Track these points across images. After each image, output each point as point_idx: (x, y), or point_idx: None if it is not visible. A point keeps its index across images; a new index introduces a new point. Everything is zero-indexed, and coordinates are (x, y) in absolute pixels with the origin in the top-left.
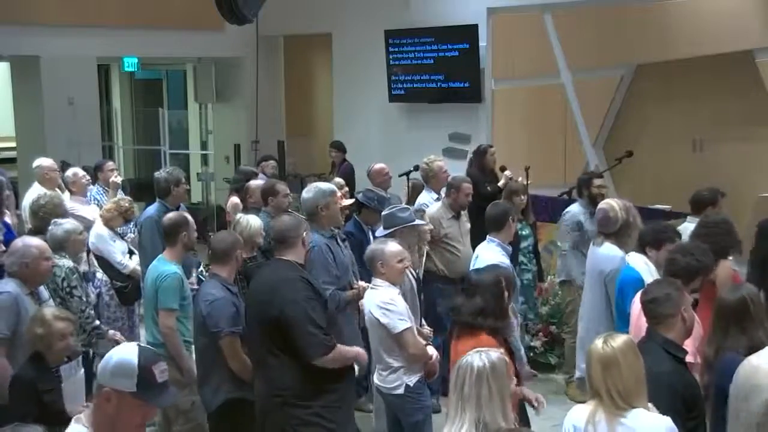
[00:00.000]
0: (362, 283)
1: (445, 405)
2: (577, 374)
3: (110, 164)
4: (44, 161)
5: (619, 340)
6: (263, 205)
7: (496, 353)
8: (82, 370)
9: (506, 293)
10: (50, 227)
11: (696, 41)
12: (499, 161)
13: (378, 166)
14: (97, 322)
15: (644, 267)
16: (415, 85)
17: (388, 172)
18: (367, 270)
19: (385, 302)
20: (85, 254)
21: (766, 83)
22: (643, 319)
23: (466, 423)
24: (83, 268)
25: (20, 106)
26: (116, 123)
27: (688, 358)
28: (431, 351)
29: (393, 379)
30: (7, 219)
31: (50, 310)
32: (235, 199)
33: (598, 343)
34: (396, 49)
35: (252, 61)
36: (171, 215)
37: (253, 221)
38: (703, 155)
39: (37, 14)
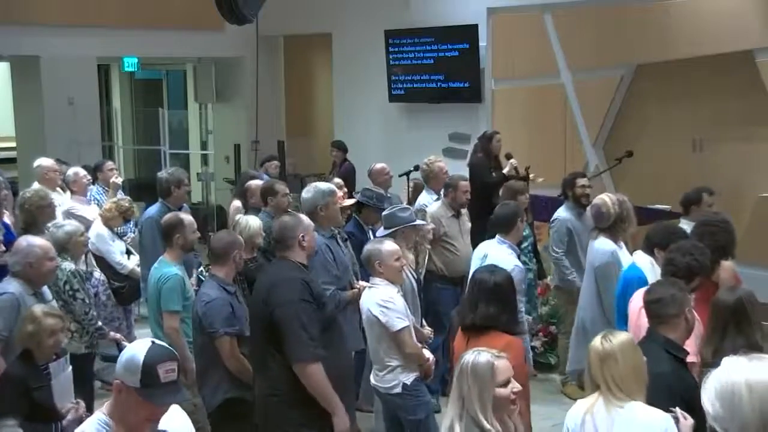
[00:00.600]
0: (363, 283)
1: (445, 405)
2: (569, 368)
3: (109, 164)
4: (44, 161)
5: (618, 336)
6: (263, 205)
7: (487, 355)
8: (70, 367)
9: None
10: (51, 229)
11: (696, 41)
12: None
13: (379, 165)
14: (100, 323)
15: (650, 267)
16: (415, 85)
17: (389, 171)
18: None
19: (384, 300)
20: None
21: (766, 83)
22: (643, 318)
23: (449, 416)
24: (81, 267)
25: (20, 106)
26: (116, 123)
27: (690, 358)
28: (427, 354)
29: (390, 378)
30: (6, 219)
31: (40, 307)
32: (236, 203)
33: (597, 339)
34: (396, 49)
35: (252, 61)
36: (166, 217)
37: (253, 222)
38: (703, 155)
39: (37, 14)
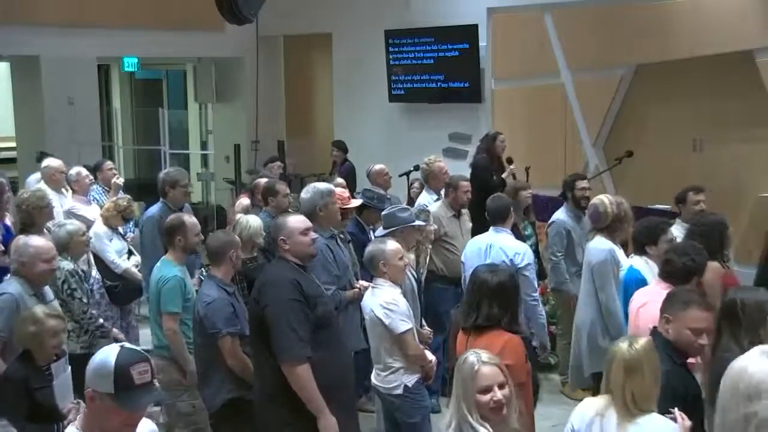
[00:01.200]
0: (363, 283)
1: (445, 405)
2: (572, 375)
3: (109, 164)
4: (53, 162)
5: (642, 345)
6: (264, 204)
7: (473, 359)
8: (69, 368)
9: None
10: (53, 228)
11: (696, 41)
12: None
13: (378, 167)
14: (101, 321)
15: (646, 267)
16: (415, 85)
17: (388, 172)
18: (368, 270)
19: (387, 302)
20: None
21: (766, 83)
22: (641, 318)
23: (449, 414)
24: (83, 267)
25: (20, 106)
26: (116, 123)
27: (691, 360)
28: (430, 356)
29: (392, 379)
30: (7, 221)
31: (41, 308)
32: (245, 201)
33: (623, 347)
34: (396, 49)
35: (252, 61)
36: (169, 219)
37: (253, 221)
38: (703, 155)
39: (37, 14)
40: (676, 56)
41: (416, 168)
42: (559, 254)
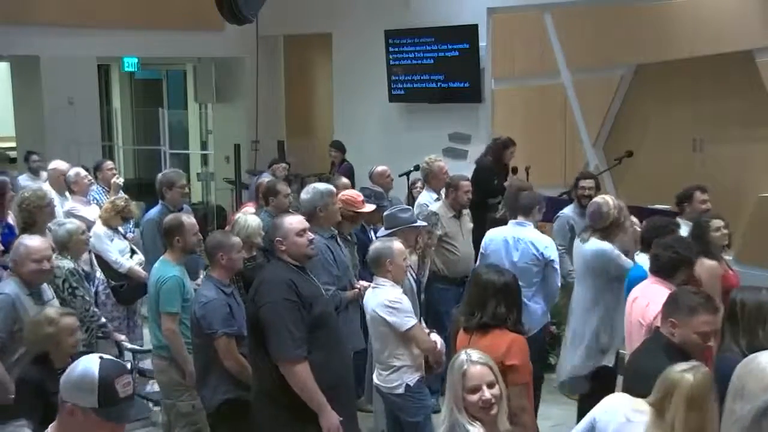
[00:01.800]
0: (363, 283)
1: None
2: (563, 377)
3: (109, 164)
4: (60, 164)
5: (701, 375)
6: (264, 204)
7: (463, 359)
8: None
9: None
10: (53, 227)
11: (696, 41)
12: None
13: (380, 168)
14: (103, 320)
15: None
16: (415, 85)
17: (390, 174)
18: (368, 269)
19: (391, 301)
20: (86, 254)
21: (766, 83)
22: (632, 313)
23: (443, 413)
24: (85, 268)
25: (20, 106)
26: (116, 123)
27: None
28: (436, 338)
29: (393, 378)
30: (9, 220)
31: (53, 309)
32: (250, 210)
33: (688, 376)
34: (396, 49)
35: (252, 61)
36: (167, 219)
37: (251, 221)
38: (703, 155)
39: (37, 14)
40: (676, 56)
41: (416, 168)
42: (561, 247)
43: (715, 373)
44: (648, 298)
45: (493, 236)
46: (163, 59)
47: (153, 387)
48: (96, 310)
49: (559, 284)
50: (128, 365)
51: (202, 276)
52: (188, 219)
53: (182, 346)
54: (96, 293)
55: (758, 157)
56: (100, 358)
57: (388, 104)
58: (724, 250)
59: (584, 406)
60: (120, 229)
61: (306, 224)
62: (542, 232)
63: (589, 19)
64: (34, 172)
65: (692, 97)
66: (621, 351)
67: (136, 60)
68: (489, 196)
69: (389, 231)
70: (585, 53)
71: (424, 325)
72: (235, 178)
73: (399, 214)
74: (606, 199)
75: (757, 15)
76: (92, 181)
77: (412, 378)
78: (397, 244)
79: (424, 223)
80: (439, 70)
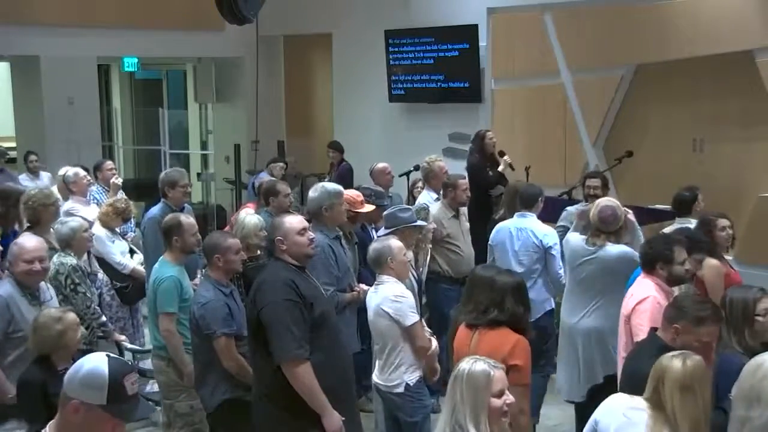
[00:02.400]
0: (363, 286)
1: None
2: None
3: (109, 164)
4: (70, 170)
5: (694, 361)
6: (265, 204)
7: (484, 364)
8: None
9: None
10: (56, 225)
11: (696, 41)
12: None
13: (380, 165)
14: (104, 318)
15: None
16: (415, 85)
17: (391, 171)
18: (369, 269)
19: (396, 296)
20: (86, 255)
21: (766, 83)
22: (624, 307)
23: (442, 422)
24: (86, 268)
25: (20, 106)
26: (116, 123)
27: None
28: (434, 344)
29: (393, 377)
30: (17, 227)
31: (53, 309)
32: (250, 211)
33: (677, 362)
34: (396, 49)
35: (252, 61)
36: (166, 219)
37: (249, 221)
38: (703, 155)
39: (37, 14)
40: (676, 56)
41: (416, 168)
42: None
43: (716, 370)
44: (632, 291)
45: (499, 228)
46: (163, 59)
47: (153, 387)
48: (97, 308)
49: (561, 268)
50: None
51: (199, 276)
52: (187, 219)
53: (179, 347)
54: (100, 295)
55: (758, 157)
56: (107, 356)
57: (388, 104)
58: (727, 250)
59: (582, 409)
60: (118, 229)
61: (306, 223)
62: None
63: (589, 19)
64: (33, 173)
65: (692, 97)
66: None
67: (136, 60)
68: (489, 188)
69: (389, 230)
70: (585, 53)
71: (424, 324)
72: (235, 178)
73: (399, 214)
74: (615, 202)
75: (757, 15)
76: (91, 181)
77: (412, 377)
78: (394, 242)
79: (424, 223)
80: (439, 70)
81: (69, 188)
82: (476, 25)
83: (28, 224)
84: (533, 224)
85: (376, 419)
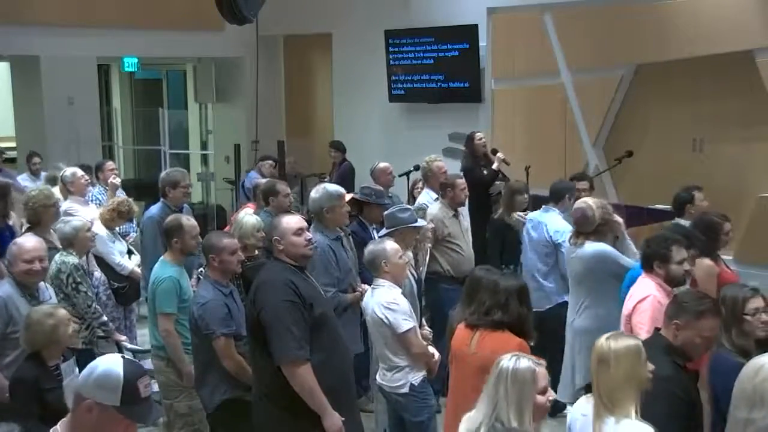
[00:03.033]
0: (365, 286)
1: (445, 405)
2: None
3: (110, 164)
4: (68, 170)
5: (621, 341)
6: (264, 205)
7: (528, 362)
8: (77, 369)
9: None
10: (58, 224)
11: (696, 41)
12: None
13: (382, 164)
14: (105, 318)
15: None
16: (415, 85)
17: (392, 171)
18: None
19: (389, 302)
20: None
21: (766, 83)
22: (626, 307)
23: (480, 414)
24: (84, 266)
25: (20, 106)
26: (116, 123)
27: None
28: (432, 350)
29: (398, 378)
30: (10, 222)
31: (45, 305)
32: (249, 212)
33: (603, 338)
34: (396, 49)
35: (252, 61)
36: (168, 220)
37: (247, 221)
38: (703, 155)
39: (37, 14)
40: (676, 56)
41: (416, 168)
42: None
43: (709, 369)
44: (632, 292)
45: (529, 217)
46: (163, 59)
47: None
48: (98, 307)
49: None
50: None
51: (195, 276)
52: (188, 221)
53: (178, 347)
54: (97, 294)
55: (758, 157)
56: (123, 358)
57: (388, 104)
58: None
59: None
60: (119, 229)
61: (304, 223)
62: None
63: (589, 19)
64: (35, 174)
65: (692, 97)
66: None
67: (136, 60)
68: (486, 187)
69: (388, 231)
70: (585, 53)
71: (426, 326)
72: (235, 178)
73: (398, 214)
74: (588, 203)
75: (757, 15)
76: (89, 181)
77: (416, 377)
78: (390, 244)
79: (424, 223)
80: (439, 70)
81: (67, 188)
82: (476, 25)
83: (29, 225)
84: (550, 219)
85: (376, 419)
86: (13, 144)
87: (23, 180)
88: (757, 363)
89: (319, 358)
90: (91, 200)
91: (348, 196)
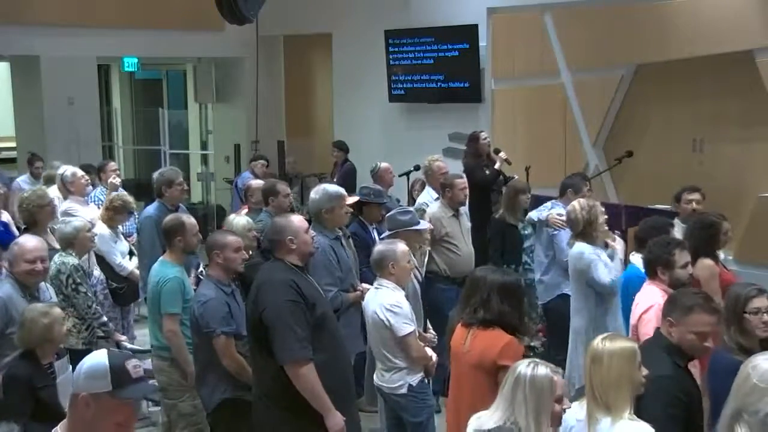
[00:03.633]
0: (365, 285)
1: (445, 405)
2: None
3: (112, 165)
4: (68, 170)
5: (615, 341)
6: (264, 205)
7: (545, 369)
8: (70, 367)
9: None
10: (59, 224)
11: (696, 41)
12: None
13: (385, 165)
14: (105, 318)
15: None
16: (415, 85)
17: (392, 171)
18: (371, 269)
19: (392, 305)
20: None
21: (766, 83)
22: (633, 316)
23: (496, 416)
24: (84, 266)
25: (20, 106)
26: (116, 123)
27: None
28: (430, 352)
29: (396, 378)
30: (4, 218)
31: (39, 304)
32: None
33: (598, 338)
34: (396, 49)
35: (252, 61)
36: (168, 219)
37: (237, 222)
38: (703, 155)
39: (37, 14)
40: (676, 56)
41: (416, 168)
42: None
43: (708, 367)
44: (638, 300)
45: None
46: (163, 59)
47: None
48: (98, 307)
49: (566, 259)
50: None
51: (193, 275)
52: (189, 219)
53: (183, 347)
54: (94, 293)
55: (758, 157)
56: (106, 350)
57: (388, 104)
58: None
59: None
60: (121, 228)
61: (306, 223)
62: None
63: (589, 19)
64: (36, 177)
65: (692, 97)
66: None
67: (136, 60)
68: (487, 187)
69: (390, 233)
70: (585, 53)
71: (431, 327)
72: (235, 178)
73: (399, 217)
74: (573, 206)
75: (757, 15)
76: (89, 181)
77: (414, 378)
78: (401, 246)
79: (426, 226)
80: (439, 70)
81: (67, 188)
82: (476, 25)
83: (25, 226)
84: (551, 213)
85: (381, 419)
86: (13, 144)
87: (24, 182)
88: (750, 363)
89: (320, 358)
90: (93, 201)
91: (352, 199)
